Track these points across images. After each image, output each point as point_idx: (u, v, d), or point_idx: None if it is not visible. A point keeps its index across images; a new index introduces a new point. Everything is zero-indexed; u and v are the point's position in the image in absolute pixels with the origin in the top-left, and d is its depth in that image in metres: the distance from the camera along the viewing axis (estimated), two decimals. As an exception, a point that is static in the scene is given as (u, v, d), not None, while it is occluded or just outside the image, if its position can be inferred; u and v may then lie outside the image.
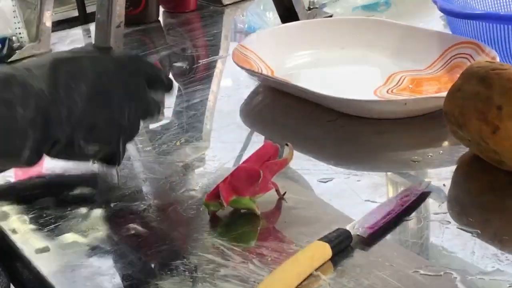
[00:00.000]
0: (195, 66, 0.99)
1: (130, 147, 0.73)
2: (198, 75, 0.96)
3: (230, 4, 1.23)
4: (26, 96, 0.55)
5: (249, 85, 0.90)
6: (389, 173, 0.69)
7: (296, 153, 0.67)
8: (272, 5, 1.13)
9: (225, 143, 0.77)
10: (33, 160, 0.57)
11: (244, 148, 0.75)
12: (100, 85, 0.61)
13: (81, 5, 1.20)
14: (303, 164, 0.70)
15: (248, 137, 0.79)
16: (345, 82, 0.88)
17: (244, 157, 0.71)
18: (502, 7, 0.95)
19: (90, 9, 1.21)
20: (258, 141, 0.78)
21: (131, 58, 0.68)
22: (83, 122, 0.59)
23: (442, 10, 0.85)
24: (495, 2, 0.95)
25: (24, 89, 0.55)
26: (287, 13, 1.09)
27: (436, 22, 1.07)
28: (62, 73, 0.58)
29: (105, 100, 0.61)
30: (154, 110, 0.66)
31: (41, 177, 0.70)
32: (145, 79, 0.65)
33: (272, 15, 1.19)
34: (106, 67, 0.62)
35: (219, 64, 1.00)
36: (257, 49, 0.92)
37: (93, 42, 0.94)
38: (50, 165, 0.69)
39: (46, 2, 1.03)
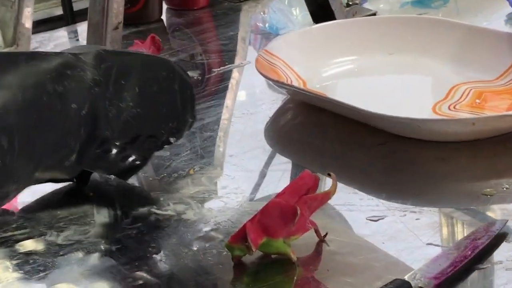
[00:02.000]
0: (207, 76, 1.01)
1: (135, 177, 0.74)
2: (213, 88, 0.98)
3: (248, -1, 1.25)
4: (79, 90, 0.60)
5: (276, 99, 0.92)
6: (455, 210, 0.70)
7: (338, 185, 0.67)
8: (299, 0, 1.15)
9: (249, 172, 0.78)
10: (77, 166, 0.62)
11: (272, 178, 0.77)
12: (151, 92, 0.67)
13: (67, 1, 1.22)
14: (347, 198, 0.71)
15: (277, 164, 0.80)
16: (395, 96, 0.89)
17: (273, 188, 0.72)
18: None
19: (77, 5, 1.23)
20: (288, 168, 0.79)
21: (182, 70, 0.72)
22: (130, 127, 0.65)
23: (516, 7, 0.87)
24: None
25: (76, 82, 0.60)
26: (321, 11, 1.11)
27: (504, 21, 1.08)
28: (111, 67, 0.63)
29: (153, 110, 0.67)
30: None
31: (24, 212, 0.71)
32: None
33: (299, 12, 1.21)
34: (157, 72, 0.68)
35: (235, 74, 1.02)
36: (286, 56, 0.93)
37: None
38: (32, 197, 0.71)
39: (25, -3, 1.05)
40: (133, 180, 0.75)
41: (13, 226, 0.70)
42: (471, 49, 0.92)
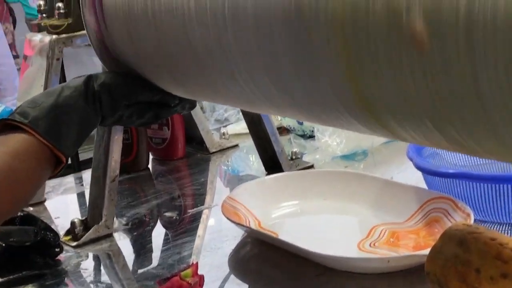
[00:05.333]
0: (183, 216, 1.02)
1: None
2: (188, 226, 0.98)
3: (216, 151, 1.28)
4: None
5: (237, 235, 0.92)
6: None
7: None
8: (254, 150, 1.17)
9: (216, 298, 0.78)
10: None
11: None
12: None
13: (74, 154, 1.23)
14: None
15: (238, 291, 0.80)
16: (329, 233, 0.91)
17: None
18: (474, 161, 1.00)
19: (82, 156, 1.24)
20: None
21: None
22: None
23: (418, 167, 0.90)
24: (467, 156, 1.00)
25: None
26: (271, 162, 1.14)
27: (411, 170, 1.09)
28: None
29: None
30: None
31: None
32: None
33: (255, 159, 1.23)
34: None
35: (205, 214, 1.02)
36: (245, 201, 0.95)
37: (88, 195, 0.96)
38: None
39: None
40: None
41: None
42: (386, 197, 0.94)
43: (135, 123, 0.83)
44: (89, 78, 0.78)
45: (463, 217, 0.83)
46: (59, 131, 0.72)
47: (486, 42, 0.43)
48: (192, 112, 1.23)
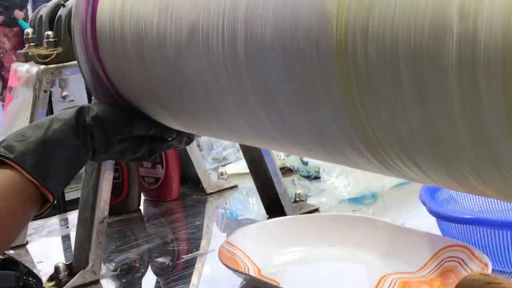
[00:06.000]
0: (177, 262, 1.04)
1: None
2: (181, 273, 1.01)
3: (213, 193, 1.31)
4: None
5: (235, 284, 0.95)
6: None
7: None
8: (255, 191, 1.21)
9: None
10: None
11: None
12: None
13: (60, 192, 1.26)
14: None
15: None
16: (335, 283, 0.94)
17: None
18: (492, 206, 1.04)
19: (68, 196, 1.27)
20: None
21: None
22: None
23: (432, 212, 0.94)
24: (484, 200, 1.04)
25: None
26: (273, 205, 1.17)
27: (425, 216, 1.12)
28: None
29: None
30: None
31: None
32: None
33: (255, 202, 1.27)
34: None
35: (201, 261, 1.05)
36: (244, 246, 0.99)
37: (73, 240, 0.99)
38: None
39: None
40: None
41: None
42: (397, 244, 0.97)
43: (128, 158, 0.85)
44: (81, 111, 0.79)
45: (480, 267, 0.86)
46: (47, 168, 0.74)
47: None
48: (188, 149, 1.27)
